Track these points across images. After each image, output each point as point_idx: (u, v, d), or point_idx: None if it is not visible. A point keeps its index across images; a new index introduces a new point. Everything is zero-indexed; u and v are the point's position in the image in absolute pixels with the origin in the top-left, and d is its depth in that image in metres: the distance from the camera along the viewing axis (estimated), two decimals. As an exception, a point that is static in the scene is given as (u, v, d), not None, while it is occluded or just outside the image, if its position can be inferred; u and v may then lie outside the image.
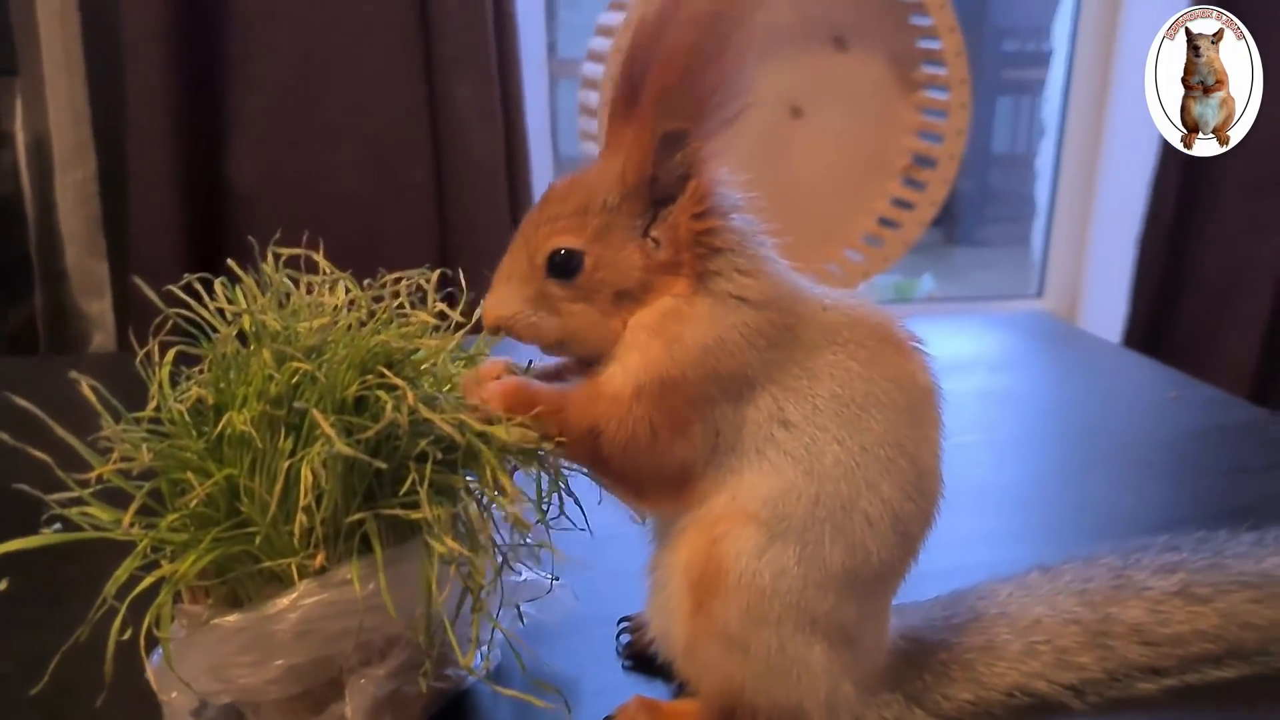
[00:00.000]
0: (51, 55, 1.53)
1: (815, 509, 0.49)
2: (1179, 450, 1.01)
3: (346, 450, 0.45)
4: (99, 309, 1.59)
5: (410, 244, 1.57)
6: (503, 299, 0.50)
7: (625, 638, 0.63)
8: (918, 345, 0.53)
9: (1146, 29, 1.92)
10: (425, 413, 0.47)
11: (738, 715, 0.52)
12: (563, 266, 0.49)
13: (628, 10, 1.57)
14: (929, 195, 1.78)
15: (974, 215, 3.81)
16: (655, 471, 0.50)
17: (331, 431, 0.45)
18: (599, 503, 0.54)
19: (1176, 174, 1.83)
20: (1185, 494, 0.90)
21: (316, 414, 0.45)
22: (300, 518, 0.45)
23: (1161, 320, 1.91)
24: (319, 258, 0.56)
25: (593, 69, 1.71)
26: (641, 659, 0.61)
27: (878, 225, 1.81)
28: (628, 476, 0.51)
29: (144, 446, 0.47)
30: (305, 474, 0.45)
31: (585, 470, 0.53)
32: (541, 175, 1.71)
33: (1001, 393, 1.14)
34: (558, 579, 0.59)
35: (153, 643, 0.48)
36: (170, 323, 0.52)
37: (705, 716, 0.53)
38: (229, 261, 0.56)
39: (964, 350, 1.26)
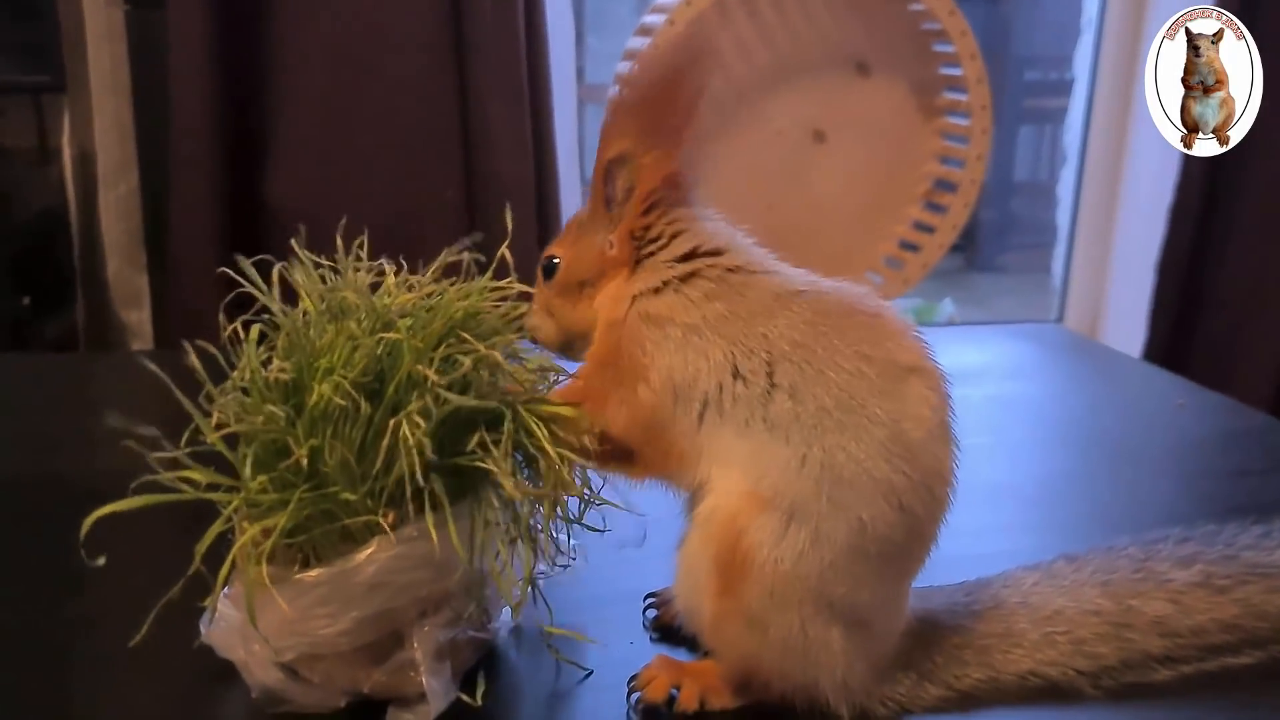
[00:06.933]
0: (99, 74, 1.58)
1: (801, 473, 0.52)
2: (1185, 454, 1.03)
3: (456, 400, 0.51)
4: (138, 318, 1.64)
5: (440, 261, 1.61)
6: (528, 314, 0.63)
7: (652, 612, 0.66)
8: (902, 327, 0.56)
9: (1167, 58, 1.94)
10: (505, 366, 0.55)
11: (753, 684, 0.56)
12: (547, 269, 0.62)
13: (652, 40, 1.61)
14: (950, 219, 1.81)
15: (995, 242, 3.83)
16: (643, 425, 0.56)
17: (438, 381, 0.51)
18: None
19: (1196, 200, 1.85)
20: (1190, 494, 0.92)
21: (426, 369, 0.51)
22: (384, 476, 0.50)
23: (1180, 342, 1.92)
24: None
25: (620, 92, 1.75)
26: (668, 632, 0.64)
27: (898, 248, 1.83)
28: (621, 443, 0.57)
29: (266, 407, 0.51)
30: (405, 433, 0.49)
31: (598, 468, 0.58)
32: (570, 196, 1.74)
33: (1013, 399, 1.16)
34: (565, 565, 0.63)
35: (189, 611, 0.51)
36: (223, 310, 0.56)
37: (723, 674, 0.57)
38: (293, 243, 0.61)
39: (977, 359, 1.28)
